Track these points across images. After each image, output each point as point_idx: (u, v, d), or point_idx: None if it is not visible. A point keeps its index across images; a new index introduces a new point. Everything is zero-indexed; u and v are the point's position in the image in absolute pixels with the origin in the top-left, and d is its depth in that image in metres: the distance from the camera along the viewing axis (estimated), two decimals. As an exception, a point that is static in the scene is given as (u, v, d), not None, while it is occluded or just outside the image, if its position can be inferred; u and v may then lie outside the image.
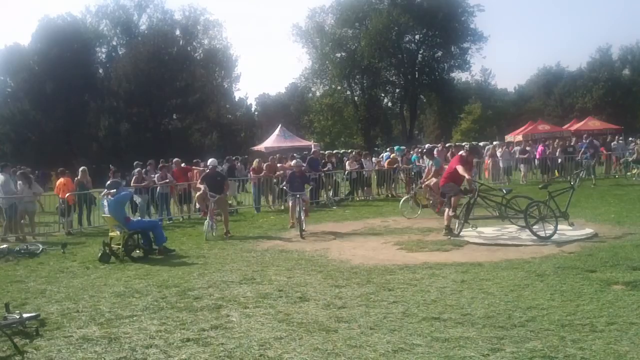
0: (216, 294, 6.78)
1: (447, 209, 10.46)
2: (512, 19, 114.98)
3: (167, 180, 15.77)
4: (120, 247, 9.65)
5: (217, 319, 5.75)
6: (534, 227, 9.40)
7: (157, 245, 9.98)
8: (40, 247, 10.89)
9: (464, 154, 10.84)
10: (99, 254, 9.61)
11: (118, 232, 9.87)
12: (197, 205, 16.57)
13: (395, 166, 19.54)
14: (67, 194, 13.73)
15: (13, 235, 12.99)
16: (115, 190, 10.20)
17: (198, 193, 12.48)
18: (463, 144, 38.04)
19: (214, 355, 4.73)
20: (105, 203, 10.20)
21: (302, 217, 11.45)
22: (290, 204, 12.40)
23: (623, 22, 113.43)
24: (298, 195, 11.82)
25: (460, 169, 10.18)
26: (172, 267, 8.79)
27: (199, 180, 12.71)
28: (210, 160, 12.92)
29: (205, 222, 11.70)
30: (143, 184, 15.47)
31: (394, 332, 5.07)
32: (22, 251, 10.58)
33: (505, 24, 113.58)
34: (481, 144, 33.96)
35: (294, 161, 15.19)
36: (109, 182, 10.94)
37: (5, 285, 7.98)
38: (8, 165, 15.11)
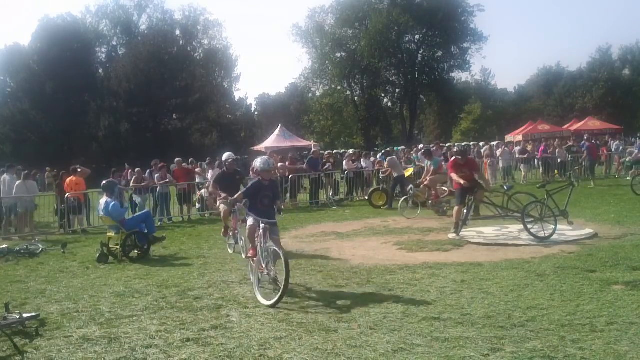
0: (216, 294, 6.78)
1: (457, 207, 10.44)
2: (512, 19, 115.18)
3: (167, 180, 15.79)
4: (118, 247, 9.60)
5: (217, 319, 5.75)
6: (534, 227, 9.36)
7: (149, 234, 9.95)
8: (40, 247, 10.89)
9: (458, 159, 10.72)
10: (97, 255, 9.58)
11: (114, 233, 9.83)
12: (198, 205, 16.68)
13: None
14: (67, 194, 13.77)
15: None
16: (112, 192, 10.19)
17: (222, 207, 9.53)
18: (455, 144, 38.15)
19: (214, 355, 4.73)
20: (102, 205, 10.09)
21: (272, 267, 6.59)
22: (248, 231, 7.05)
23: (623, 22, 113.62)
24: (264, 226, 6.68)
25: (453, 176, 10.23)
26: (172, 267, 8.79)
27: (212, 184, 9.86)
28: (226, 155, 9.97)
29: (231, 238, 9.63)
30: (143, 184, 15.50)
31: (394, 332, 5.06)
32: (22, 251, 10.58)
33: (505, 24, 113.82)
34: (481, 143, 33.98)
35: (258, 160, 7.24)
36: (104, 182, 10.69)
37: (5, 285, 7.98)
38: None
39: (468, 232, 10.14)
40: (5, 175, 14.39)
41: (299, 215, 15.02)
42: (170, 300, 6.57)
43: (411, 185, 14.34)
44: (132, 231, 9.77)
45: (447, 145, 33.53)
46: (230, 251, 9.74)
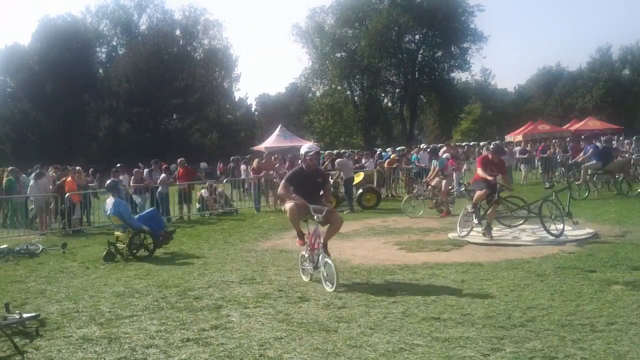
0: (216, 294, 6.77)
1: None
2: (512, 19, 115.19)
3: (171, 180, 15.91)
4: (124, 246, 9.68)
5: (217, 319, 5.75)
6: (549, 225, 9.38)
7: (158, 231, 10.06)
8: (40, 247, 10.90)
9: (488, 155, 10.43)
10: (104, 253, 9.66)
11: (121, 232, 9.92)
12: (198, 205, 16.65)
13: (395, 166, 19.55)
14: (68, 194, 13.77)
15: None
16: (117, 191, 10.33)
17: (287, 205, 7.13)
18: (470, 143, 38.02)
19: (214, 355, 4.73)
20: (109, 205, 10.17)
21: None
22: None
23: (623, 22, 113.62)
24: None
25: (479, 172, 9.86)
26: (172, 267, 8.79)
27: (282, 184, 7.37)
28: (306, 147, 7.52)
29: (308, 259, 7.24)
30: (143, 184, 15.51)
31: (394, 332, 5.06)
32: (22, 251, 10.58)
33: (505, 24, 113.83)
34: (481, 143, 33.98)
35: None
36: (108, 182, 10.92)
37: (5, 285, 7.98)
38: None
39: (467, 232, 10.12)
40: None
41: (299, 215, 15.00)
42: (170, 300, 6.57)
43: (415, 185, 14.36)
44: (140, 230, 9.83)
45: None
46: (305, 278, 7.27)
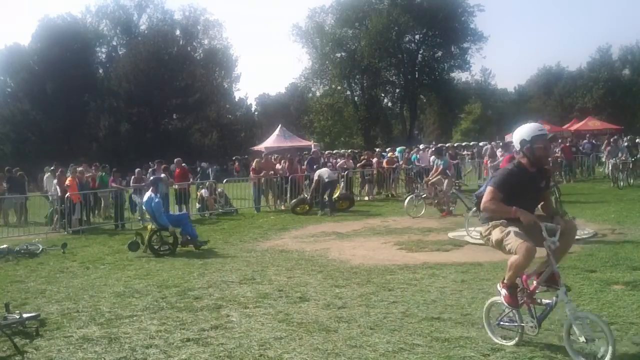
0: (216, 294, 6.78)
1: None
2: (512, 19, 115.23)
3: (171, 180, 15.93)
4: (154, 239, 10.01)
5: (217, 319, 5.75)
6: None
7: (191, 238, 10.30)
8: (40, 247, 10.89)
9: (514, 155, 10.46)
10: (129, 242, 10.04)
11: (154, 226, 10.23)
12: (198, 205, 16.66)
13: (395, 166, 19.55)
14: (68, 194, 13.77)
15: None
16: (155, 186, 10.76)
17: (513, 238, 4.31)
18: (463, 144, 37.93)
19: (214, 355, 4.73)
20: (146, 198, 10.58)
21: None
22: None
23: (623, 22, 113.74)
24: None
25: None
26: (172, 267, 8.79)
27: (490, 192, 4.46)
28: (535, 127, 4.50)
29: (494, 303, 4.76)
30: (143, 184, 15.52)
31: (394, 332, 5.06)
32: (22, 251, 10.58)
33: (505, 24, 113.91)
34: (481, 144, 34.00)
35: None
36: (151, 178, 11.98)
37: (5, 285, 7.98)
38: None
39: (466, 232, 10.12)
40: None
41: (299, 215, 15.02)
42: (170, 300, 6.57)
43: (416, 185, 14.32)
44: (164, 227, 10.06)
45: (447, 145, 33.36)
46: (502, 342, 4.62)
